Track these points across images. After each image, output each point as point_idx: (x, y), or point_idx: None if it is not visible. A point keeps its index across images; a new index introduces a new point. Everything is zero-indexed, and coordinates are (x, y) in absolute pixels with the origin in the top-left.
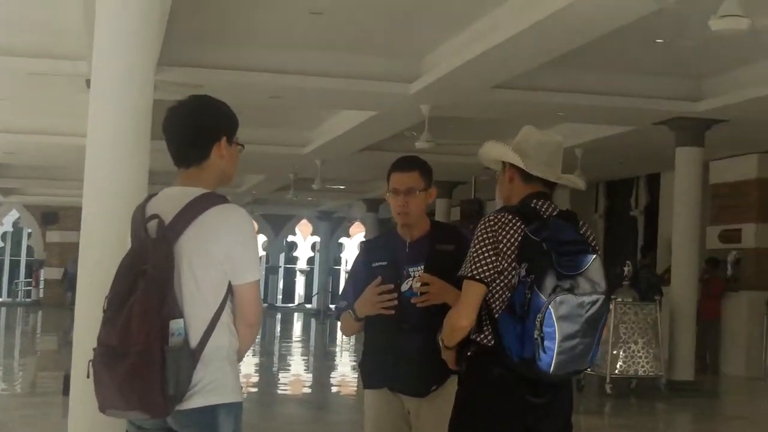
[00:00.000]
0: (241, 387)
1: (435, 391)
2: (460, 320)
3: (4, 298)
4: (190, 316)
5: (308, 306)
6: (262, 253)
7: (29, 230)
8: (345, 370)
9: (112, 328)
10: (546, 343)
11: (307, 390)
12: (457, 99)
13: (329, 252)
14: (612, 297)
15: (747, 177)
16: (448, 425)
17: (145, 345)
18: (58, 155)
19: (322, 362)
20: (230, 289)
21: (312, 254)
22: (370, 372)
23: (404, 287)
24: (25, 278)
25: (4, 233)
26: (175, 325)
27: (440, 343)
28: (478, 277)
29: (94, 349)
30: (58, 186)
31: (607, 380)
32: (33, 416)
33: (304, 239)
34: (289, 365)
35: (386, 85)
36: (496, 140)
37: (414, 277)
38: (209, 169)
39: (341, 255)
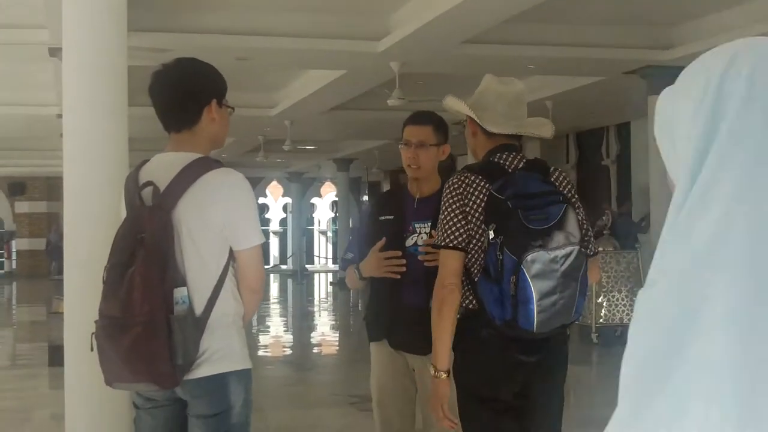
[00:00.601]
0: (248, 353)
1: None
2: (442, 287)
3: None
4: (194, 284)
5: (284, 267)
6: None
7: None
8: (325, 329)
9: (113, 299)
10: (524, 303)
11: (288, 351)
12: (426, 55)
13: (301, 213)
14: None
15: None
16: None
17: (149, 315)
18: (23, 126)
19: (301, 323)
20: (232, 254)
21: (284, 215)
22: (372, 324)
23: (409, 242)
24: None
25: None
26: (179, 293)
27: (431, 369)
28: (452, 244)
29: (95, 322)
30: (25, 156)
31: (593, 329)
32: (19, 389)
33: (275, 201)
34: (269, 327)
35: (354, 44)
36: (453, 95)
37: (419, 233)
38: (201, 133)
39: (314, 215)
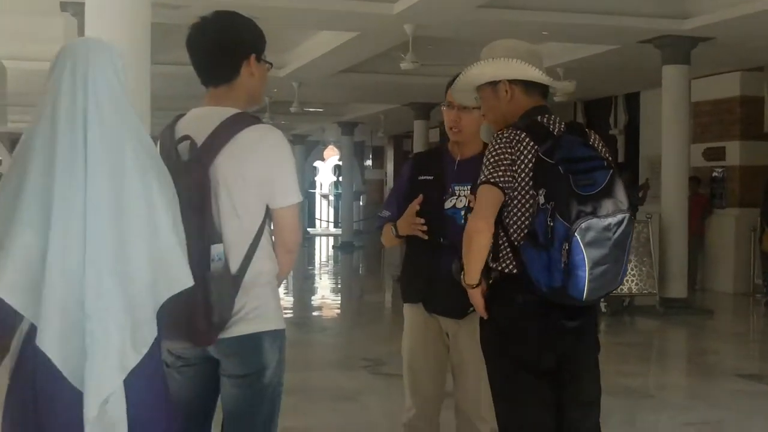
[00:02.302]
0: (283, 313)
1: (472, 313)
2: (477, 222)
3: None
4: (230, 241)
5: None
6: None
7: (0, 158)
8: (325, 292)
9: None
10: (576, 271)
11: (294, 313)
12: (441, 19)
13: (304, 176)
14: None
15: (730, 95)
16: (483, 355)
17: None
18: (29, 81)
19: (302, 284)
20: (268, 212)
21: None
22: (407, 286)
23: (447, 204)
24: None
25: None
26: (216, 250)
27: (462, 283)
28: (492, 180)
29: None
30: (28, 112)
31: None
32: None
33: None
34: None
35: (369, 5)
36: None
37: (459, 195)
38: (239, 88)
39: (316, 178)
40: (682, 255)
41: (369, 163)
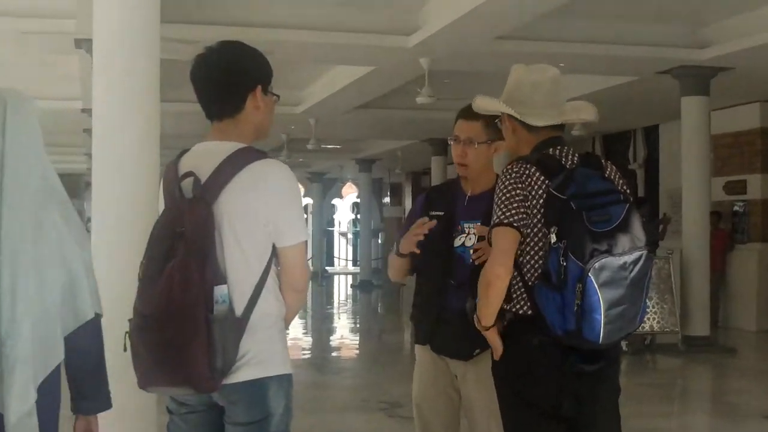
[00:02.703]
0: (290, 357)
1: (479, 355)
2: (494, 268)
3: None
4: (234, 282)
5: None
6: None
7: None
8: (344, 332)
9: (149, 296)
10: (591, 313)
11: (311, 354)
12: (458, 51)
13: (322, 213)
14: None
15: (750, 126)
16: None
17: (187, 314)
18: (46, 120)
19: (321, 324)
20: (275, 251)
21: (305, 216)
22: (416, 326)
23: (457, 242)
24: None
25: None
26: (219, 291)
27: (476, 325)
28: (507, 221)
29: (129, 320)
30: (51, 152)
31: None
32: None
33: None
34: (290, 329)
35: (384, 38)
36: (482, 94)
37: (467, 233)
38: (244, 122)
39: (334, 216)
40: (704, 292)
41: (387, 200)
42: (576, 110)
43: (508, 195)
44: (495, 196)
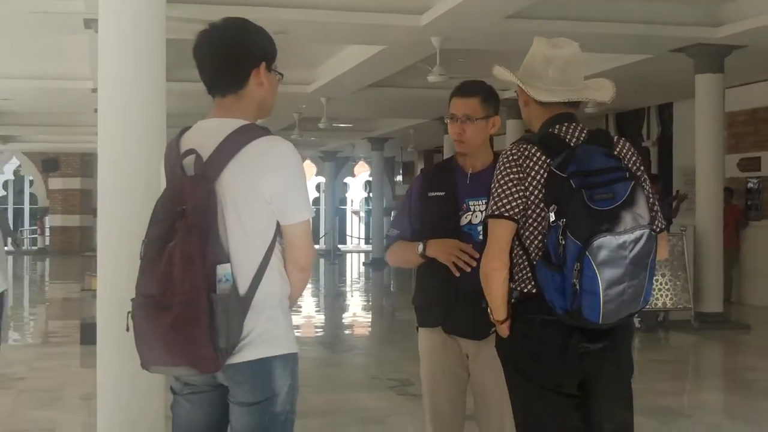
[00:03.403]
0: (295, 336)
1: (494, 333)
2: (489, 262)
3: (9, 247)
4: (238, 261)
5: (315, 247)
6: None
7: (30, 178)
8: (358, 310)
9: (151, 276)
10: (589, 292)
11: (322, 332)
12: (469, 30)
13: (334, 192)
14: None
15: (765, 104)
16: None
17: (190, 294)
18: (57, 100)
19: (335, 303)
20: (279, 229)
21: (317, 195)
22: (423, 309)
23: (463, 221)
24: (30, 226)
25: (6, 181)
26: (222, 270)
27: (490, 316)
28: (506, 214)
29: (132, 300)
30: (58, 132)
31: (635, 314)
32: (51, 368)
33: (308, 180)
34: (301, 307)
35: (396, 17)
36: (500, 65)
37: (473, 211)
38: (247, 99)
39: (346, 195)
40: (717, 268)
41: (399, 178)
42: (592, 89)
43: (502, 182)
44: (493, 179)
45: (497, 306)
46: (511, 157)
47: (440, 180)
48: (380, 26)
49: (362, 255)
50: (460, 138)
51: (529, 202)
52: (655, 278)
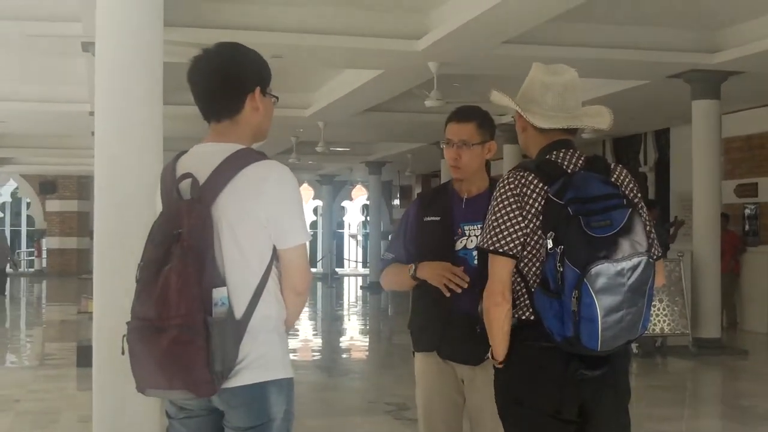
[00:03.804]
0: (291, 360)
1: (488, 360)
2: (491, 297)
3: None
4: (234, 285)
5: (313, 270)
6: None
7: (28, 200)
8: (356, 334)
9: (147, 299)
10: (588, 320)
11: (319, 356)
12: (466, 55)
13: (332, 216)
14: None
15: (762, 129)
16: (497, 406)
17: (186, 317)
18: (54, 122)
19: (332, 326)
20: (275, 253)
21: (314, 218)
22: (418, 333)
23: (458, 246)
24: (27, 248)
25: (3, 203)
26: (218, 294)
27: (491, 358)
28: (506, 250)
29: (127, 323)
30: (55, 154)
31: (634, 341)
32: (47, 390)
33: (306, 203)
34: (299, 330)
35: (393, 42)
36: (497, 90)
37: (468, 236)
38: (243, 124)
39: (344, 218)
40: (715, 294)
41: (397, 202)
42: (590, 116)
43: (502, 213)
44: (490, 208)
45: (497, 344)
46: (508, 186)
47: (436, 205)
48: (377, 51)
49: (360, 278)
50: (456, 163)
51: (528, 230)
52: (653, 304)
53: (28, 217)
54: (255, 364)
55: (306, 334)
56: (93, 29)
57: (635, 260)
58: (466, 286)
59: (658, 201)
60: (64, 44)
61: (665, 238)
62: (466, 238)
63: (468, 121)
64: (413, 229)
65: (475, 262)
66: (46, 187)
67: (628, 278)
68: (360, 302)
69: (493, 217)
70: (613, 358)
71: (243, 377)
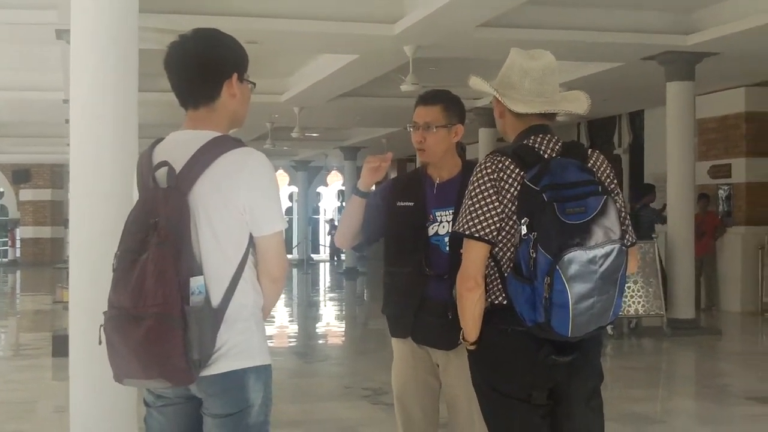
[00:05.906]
0: (269, 348)
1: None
2: (464, 282)
3: None
4: (210, 273)
5: (289, 256)
6: None
7: (1, 189)
8: (331, 320)
9: (124, 288)
10: (559, 306)
11: (295, 342)
12: (442, 39)
13: (307, 202)
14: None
15: (735, 111)
16: (473, 387)
17: (162, 306)
18: (28, 111)
19: (308, 312)
20: (251, 241)
21: (290, 204)
22: (394, 320)
23: (430, 231)
24: (0, 238)
25: None
26: (195, 282)
27: (461, 339)
28: (477, 235)
29: (104, 313)
30: (29, 143)
31: (605, 327)
32: (23, 380)
33: (281, 189)
34: (274, 317)
35: (368, 27)
36: (476, 75)
37: (440, 221)
38: (220, 110)
39: (319, 204)
40: (689, 275)
41: (373, 187)
42: (568, 101)
43: (479, 198)
44: (466, 192)
45: (469, 328)
46: (485, 171)
47: (409, 190)
48: (353, 35)
49: (335, 264)
50: (421, 146)
51: (504, 215)
52: (627, 285)
53: (2, 206)
54: (232, 351)
55: (282, 320)
56: (67, 16)
57: (608, 248)
58: (388, 162)
59: (635, 184)
60: (38, 32)
61: (656, 219)
62: (437, 224)
63: (434, 104)
64: (385, 213)
65: (447, 249)
66: (20, 176)
67: (600, 265)
68: (336, 288)
69: (470, 202)
70: (584, 344)
71: (220, 365)
